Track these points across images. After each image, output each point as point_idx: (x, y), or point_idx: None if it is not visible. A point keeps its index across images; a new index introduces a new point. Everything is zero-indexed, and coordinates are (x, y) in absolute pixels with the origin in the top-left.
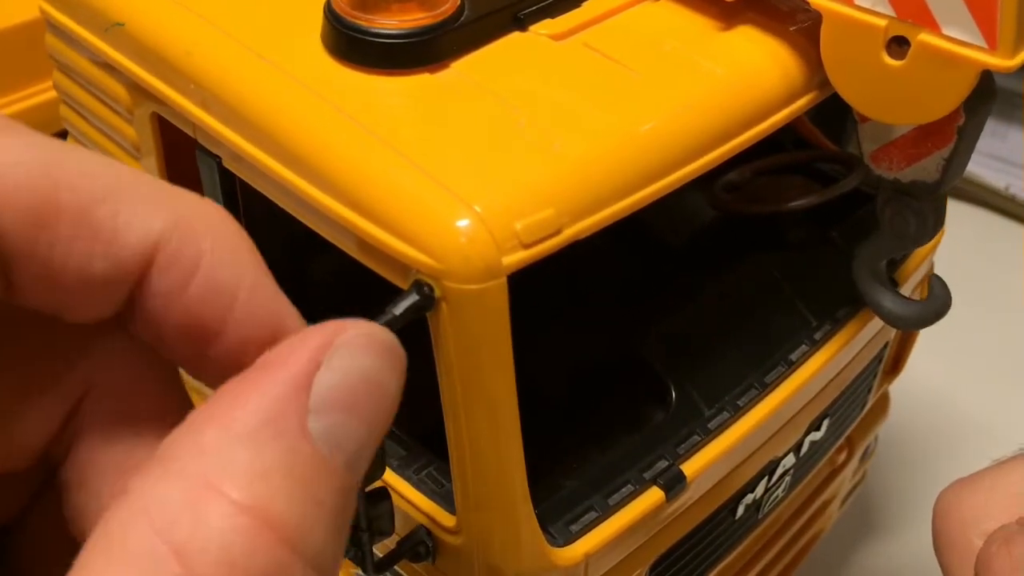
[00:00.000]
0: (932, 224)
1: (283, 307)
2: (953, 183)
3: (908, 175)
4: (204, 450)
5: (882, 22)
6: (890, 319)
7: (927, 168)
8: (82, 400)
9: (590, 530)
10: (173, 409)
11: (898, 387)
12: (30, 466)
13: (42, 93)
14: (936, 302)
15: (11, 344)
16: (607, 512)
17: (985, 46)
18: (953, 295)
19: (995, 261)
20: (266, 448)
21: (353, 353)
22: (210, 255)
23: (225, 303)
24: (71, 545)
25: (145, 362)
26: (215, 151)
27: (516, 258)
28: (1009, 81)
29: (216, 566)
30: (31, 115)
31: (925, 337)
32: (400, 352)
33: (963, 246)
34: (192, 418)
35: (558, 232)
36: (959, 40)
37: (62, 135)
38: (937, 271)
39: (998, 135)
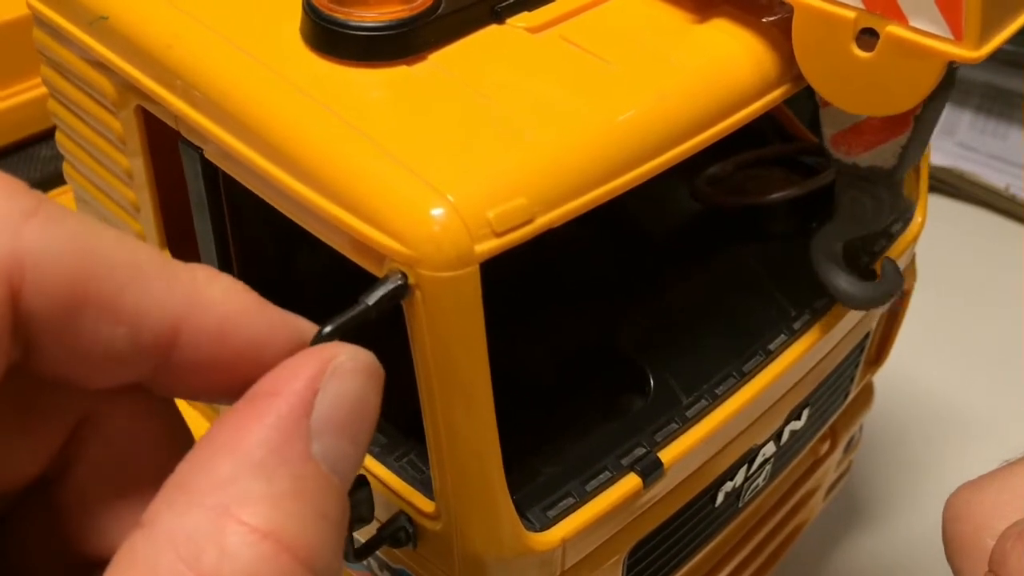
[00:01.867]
0: (888, 209)
1: (304, 332)
2: (909, 169)
3: (866, 160)
4: (220, 482)
5: (851, 14)
6: (843, 298)
7: (884, 154)
8: (81, 424)
9: (567, 515)
10: (170, 434)
11: (894, 383)
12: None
13: (32, 89)
14: (887, 283)
15: (15, 377)
16: (584, 498)
17: (951, 37)
18: (953, 295)
19: (995, 261)
20: (276, 475)
21: (344, 378)
22: (230, 320)
23: (254, 358)
24: (55, 552)
25: (142, 389)
26: (197, 143)
27: (489, 246)
28: (1009, 81)
29: None
30: (21, 111)
31: (924, 335)
32: (380, 371)
33: (963, 246)
34: (203, 446)
35: (530, 221)
36: (926, 32)
37: (51, 131)
38: (937, 270)
39: (998, 135)
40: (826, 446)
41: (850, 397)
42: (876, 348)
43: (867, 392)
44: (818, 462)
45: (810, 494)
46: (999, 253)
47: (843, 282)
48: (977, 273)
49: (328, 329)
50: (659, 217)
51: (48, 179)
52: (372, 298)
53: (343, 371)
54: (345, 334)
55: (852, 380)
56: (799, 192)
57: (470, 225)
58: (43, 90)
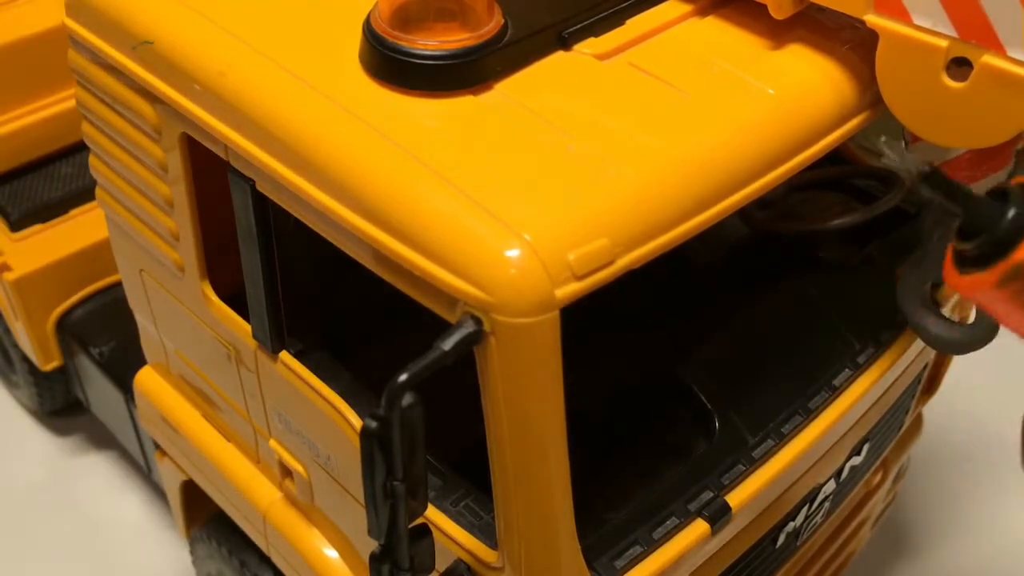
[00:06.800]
0: None
1: None
2: None
3: None
4: None
5: (943, 43)
6: (937, 344)
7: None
8: None
9: (635, 566)
10: None
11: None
12: None
13: (51, 106)
14: (984, 327)
15: None
16: (652, 546)
17: None
18: None
19: None
20: None
21: None
22: None
23: None
24: None
25: None
26: (249, 174)
27: (569, 290)
28: None
29: None
30: (41, 129)
31: None
32: None
33: None
34: None
35: (612, 263)
36: None
37: (71, 148)
38: None
39: None
40: (878, 477)
41: (903, 428)
42: (930, 378)
43: (917, 422)
44: (869, 494)
45: (860, 525)
46: None
47: (934, 326)
48: None
49: (403, 377)
50: (709, 243)
51: (69, 197)
52: (448, 343)
53: None
54: (421, 383)
55: (907, 411)
56: (862, 218)
57: (550, 268)
58: (62, 107)
